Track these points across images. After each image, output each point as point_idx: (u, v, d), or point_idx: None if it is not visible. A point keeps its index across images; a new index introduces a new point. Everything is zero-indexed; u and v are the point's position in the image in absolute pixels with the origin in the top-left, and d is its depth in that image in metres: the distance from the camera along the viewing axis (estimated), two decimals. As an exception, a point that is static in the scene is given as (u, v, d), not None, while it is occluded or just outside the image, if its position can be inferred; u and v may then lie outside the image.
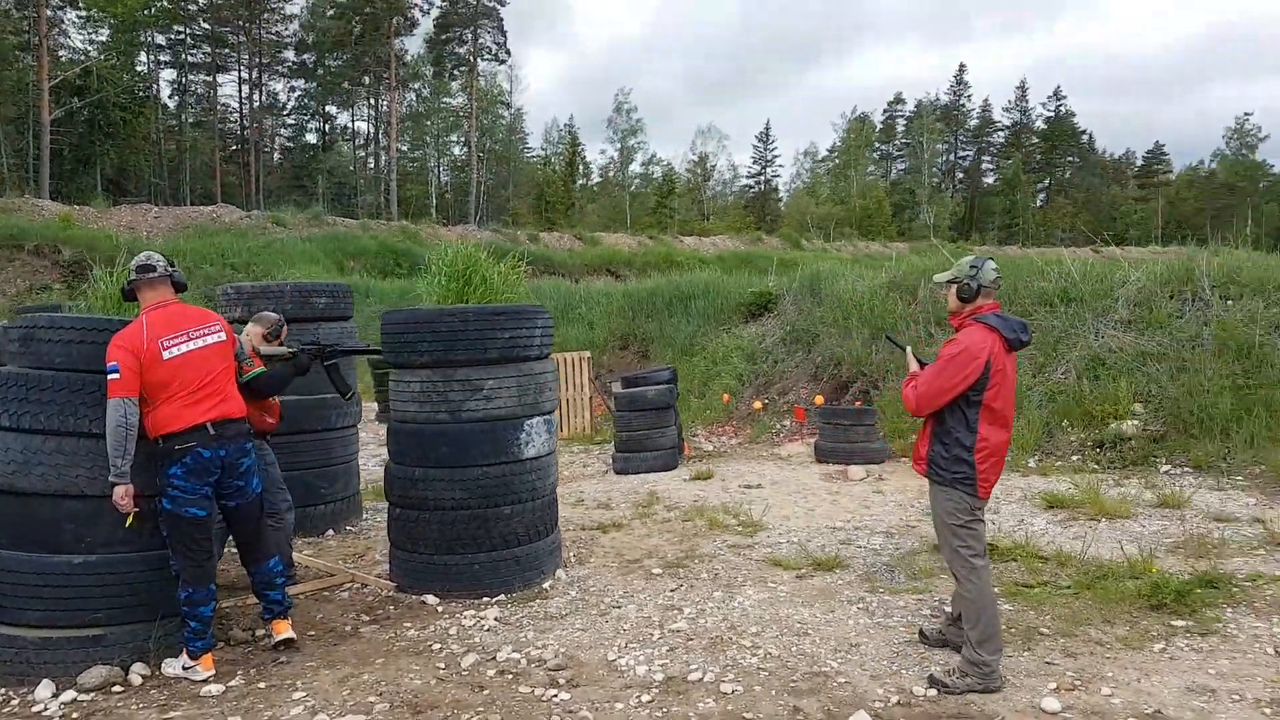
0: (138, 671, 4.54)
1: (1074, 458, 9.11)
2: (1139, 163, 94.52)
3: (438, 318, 5.84)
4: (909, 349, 4.76)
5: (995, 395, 4.19)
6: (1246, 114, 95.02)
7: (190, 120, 59.54)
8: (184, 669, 4.55)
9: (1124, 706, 3.94)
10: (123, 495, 4.32)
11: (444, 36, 65.01)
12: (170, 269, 4.74)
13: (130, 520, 4.40)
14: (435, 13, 63.79)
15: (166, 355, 4.46)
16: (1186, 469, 8.44)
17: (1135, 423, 9.01)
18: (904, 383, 4.53)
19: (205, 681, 4.49)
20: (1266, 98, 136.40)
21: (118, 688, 4.41)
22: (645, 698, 4.21)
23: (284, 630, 4.90)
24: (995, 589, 4.60)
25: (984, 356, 4.13)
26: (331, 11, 60.39)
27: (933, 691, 4.16)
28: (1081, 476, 8.21)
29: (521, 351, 5.91)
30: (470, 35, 64.90)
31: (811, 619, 5.18)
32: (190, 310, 4.75)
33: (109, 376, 4.32)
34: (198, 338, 4.61)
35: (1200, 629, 4.74)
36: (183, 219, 31.92)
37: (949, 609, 5.18)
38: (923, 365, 4.57)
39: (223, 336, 4.76)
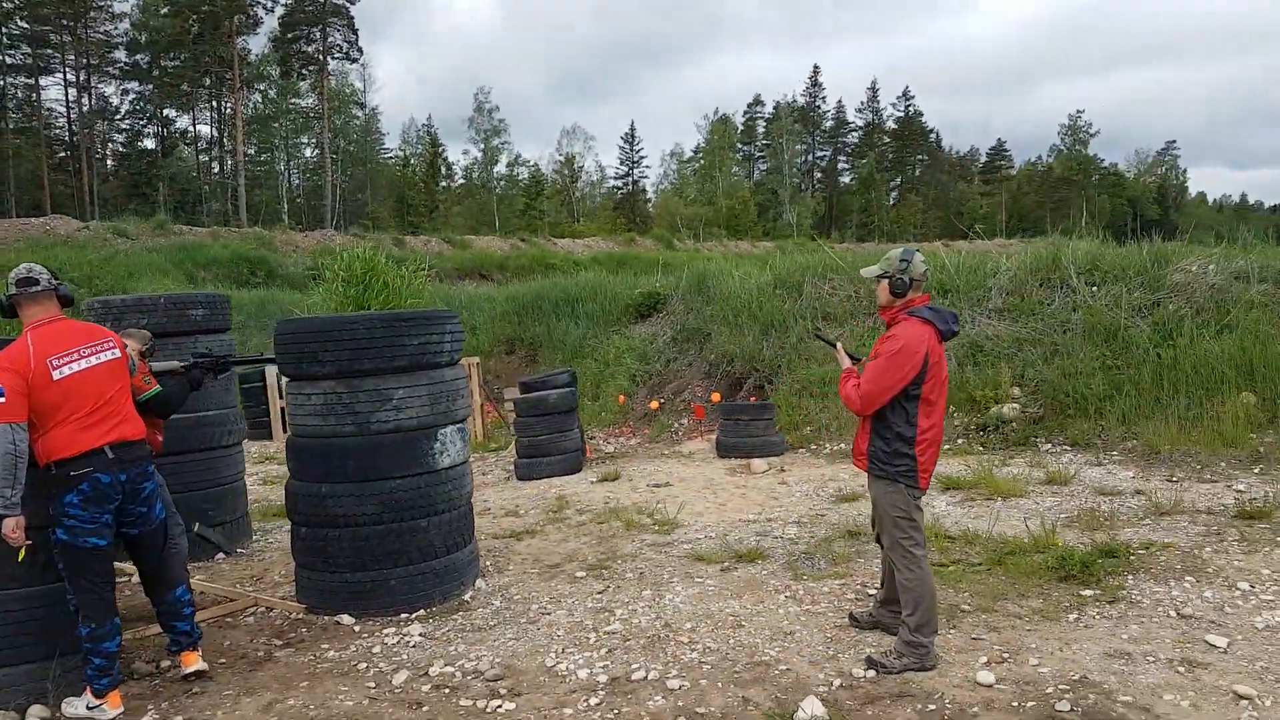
0: (35, 714, 4.22)
1: (959, 440, 9.51)
2: (983, 159, 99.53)
3: (340, 325, 5.60)
4: (839, 344, 4.82)
5: (932, 387, 4.27)
6: (1079, 111, 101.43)
7: (11, 126, 55.30)
8: (89, 709, 4.22)
9: (1053, 675, 4.12)
10: (13, 528, 3.97)
11: (290, 35, 62.65)
12: (55, 282, 4.36)
13: (22, 554, 4.06)
14: (280, 10, 61.57)
15: (57, 375, 4.12)
16: (1065, 447, 8.93)
17: (1015, 405, 9.47)
18: (841, 380, 4.56)
19: (115, 719, 4.21)
20: (1102, 91, 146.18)
21: (16, 733, 4.10)
22: (593, 700, 4.16)
23: (193, 662, 4.64)
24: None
25: (923, 351, 4.20)
26: (166, 10, 57.13)
27: (872, 673, 4.26)
28: (971, 459, 8.58)
29: (432, 358, 5.73)
30: (319, 34, 62.87)
31: (743, 611, 5.22)
32: (78, 326, 4.40)
33: None
34: (89, 355, 4.27)
35: (1107, 597, 5.01)
36: (12, 231, 29.69)
37: (874, 592, 5.33)
38: (855, 360, 4.66)
39: (117, 354, 4.43)
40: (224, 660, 4.95)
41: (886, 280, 4.37)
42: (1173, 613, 4.77)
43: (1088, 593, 5.07)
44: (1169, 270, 10.27)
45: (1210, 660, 4.18)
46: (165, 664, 4.86)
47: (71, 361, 4.19)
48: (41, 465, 4.14)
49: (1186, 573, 5.31)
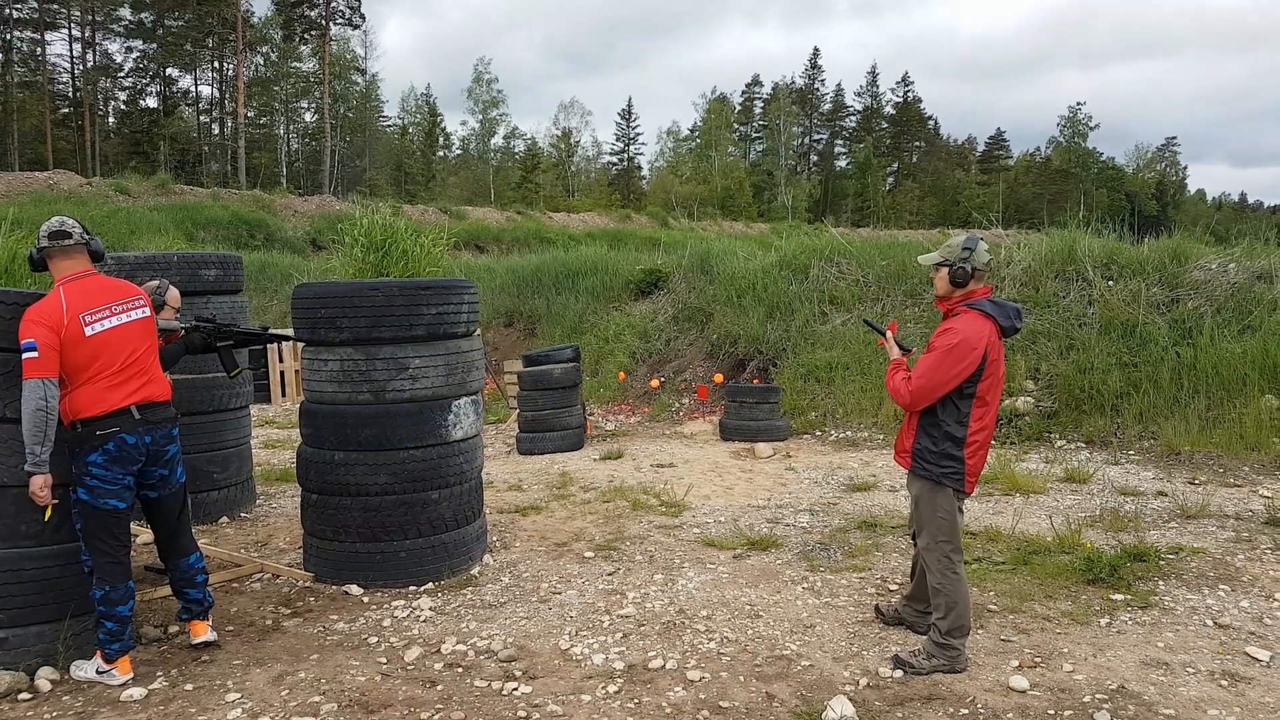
0: (45, 676, 4.09)
1: (971, 433, 9.37)
2: (981, 148, 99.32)
3: (359, 292, 5.45)
4: (890, 334, 4.54)
5: (989, 386, 4.03)
6: (1079, 103, 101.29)
7: (16, 81, 54.88)
8: (98, 673, 4.11)
9: (1088, 682, 3.99)
10: (41, 486, 3.88)
11: (293, -1, 62.15)
12: (86, 236, 4.22)
13: (49, 512, 3.99)
14: (284, -27, 60.88)
15: (89, 332, 4.01)
16: (1080, 444, 8.82)
17: (1029, 399, 9.35)
18: (889, 371, 4.30)
19: (124, 685, 4.07)
20: (1101, 84, 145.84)
21: (24, 694, 3.97)
22: (611, 688, 4.03)
23: (203, 632, 4.50)
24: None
25: (982, 347, 3.94)
26: (172, -32, 56.75)
27: (899, 672, 4.13)
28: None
29: (449, 328, 5.60)
30: (321, -1, 62.28)
31: (760, 600, 5.10)
32: (109, 282, 4.26)
33: (25, 355, 3.84)
34: (120, 312, 4.16)
35: (1139, 603, 4.88)
36: (15, 185, 29.41)
37: (895, 586, 5.21)
38: (904, 350, 4.45)
39: (146, 312, 4.32)
40: (231, 628, 4.83)
41: (947, 269, 4.09)
42: (1209, 622, 4.64)
43: (1118, 597, 4.95)
44: (1188, 268, 10.13)
45: (1253, 674, 4.05)
46: (174, 629, 4.73)
47: (104, 318, 4.08)
48: (67, 423, 4.03)
49: (1220, 580, 5.18)
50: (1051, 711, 3.73)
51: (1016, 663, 4.19)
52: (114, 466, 4.09)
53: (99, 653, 4.14)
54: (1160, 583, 5.16)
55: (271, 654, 4.47)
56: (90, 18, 57.82)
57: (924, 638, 4.28)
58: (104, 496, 4.09)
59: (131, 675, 4.15)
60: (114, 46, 60.78)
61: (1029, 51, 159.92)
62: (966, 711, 3.76)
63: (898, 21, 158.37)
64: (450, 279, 5.72)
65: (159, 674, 4.22)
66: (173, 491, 4.44)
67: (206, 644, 4.47)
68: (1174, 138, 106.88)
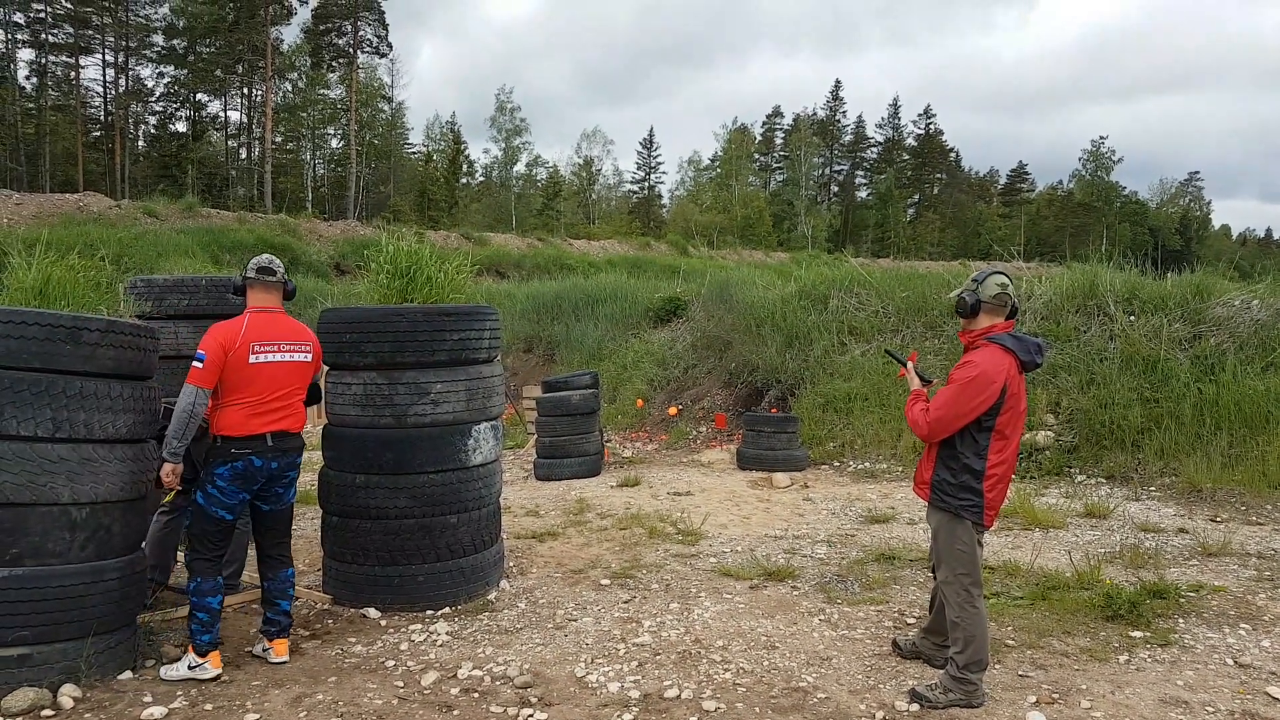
0: (68, 693, 4.13)
1: (990, 467, 9.34)
2: (1003, 180, 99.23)
3: (384, 317, 5.53)
4: (911, 365, 4.58)
5: (1008, 420, 4.04)
6: (1102, 137, 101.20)
7: (49, 104, 55.93)
8: (190, 668, 4.41)
9: (1106, 719, 3.97)
10: (169, 473, 4.47)
11: (322, 27, 63.31)
12: (286, 277, 4.83)
13: (170, 496, 4.81)
14: (314, 2, 62.12)
15: (252, 359, 4.52)
16: (1101, 479, 8.77)
17: (1049, 433, 9.31)
18: (909, 402, 4.33)
19: (215, 680, 4.36)
20: (1130, 118, 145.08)
21: (46, 711, 4.00)
22: (626, 717, 4.04)
23: (284, 653, 4.72)
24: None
25: (1000, 380, 3.96)
26: (204, -3, 57.83)
27: (915, 706, 4.11)
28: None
29: (471, 354, 5.66)
30: (350, 27, 63.29)
31: (776, 631, 5.09)
32: (289, 323, 4.79)
33: (194, 363, 4.41)
34: (287, 351, 4.68)
35: (1159, 640, 4.84)
36: (46, 206, 29.79)
37: (913, 620, 5.18)
38: (925, 381, 4.47)
39: (308, 358, 4.80)
40: (250, 648, 4.86)
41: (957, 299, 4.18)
42: (1229, 660, 4.59)
43: (1137, 634, 4.90)
44: (1210, 304, 10.09)
45: (1274, 715, 4.00)
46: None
47: (271, 352, 4.60)
48: (211, 435, 4.54)
49: (1241, 619, 5.13)
50: (1069, 749, 3.71)
51: (1034, 698, 4.17)
52: (235, 482, 4.53)
53: (190, 648, 4.45)
54: (1180, 620, 5.12)
55: (290, 676, 4.51)
56: (124, 43, 58.93)
57: (941, 672, 4.26)
58: (217, 506, 4.54)
59: (220, 670, 4.43)
60: (146, 72, 61.96)
61: (1053, 84, 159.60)
62: (983, 747, 3.74)
63: (930, 52, 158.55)
64: (473, 305, 5.78)
65: (179, 693, 4.26)
66: (284, 508, 4.85)
67: (284, 663, 4.66)
68: (1197, 172, 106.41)
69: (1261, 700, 4.15)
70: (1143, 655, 4.68)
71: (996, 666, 4.53)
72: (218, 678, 4.39)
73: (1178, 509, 7.86)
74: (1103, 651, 4.71)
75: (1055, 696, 4.19)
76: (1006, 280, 4.20)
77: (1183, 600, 5.37)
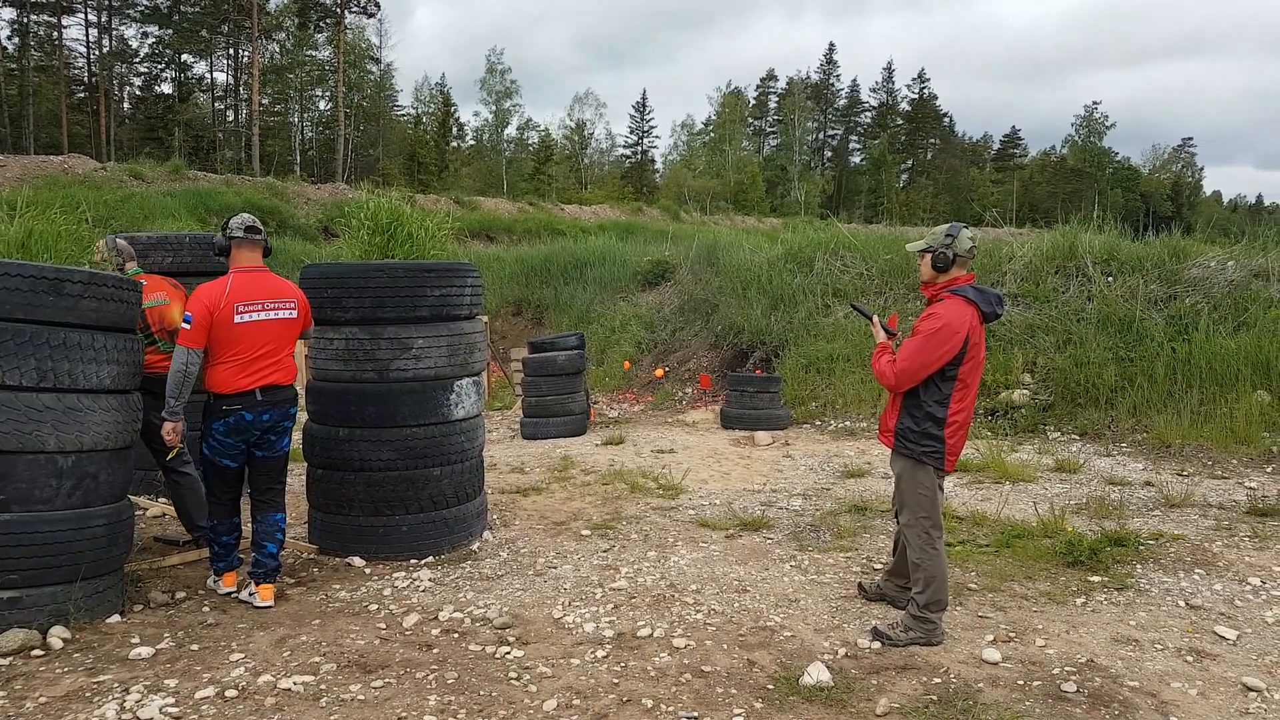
0: (57, 634, 4.26)
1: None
2: (996, 146, 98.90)
3: (365, 273, 5.62)
4: (876, 317, 4.69)
5: (969, 369, 4.19)
6: (1095, 102, 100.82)
7: (32, 64, 55.23)
8: (210, 584, 5.07)
9: (1059, 656, 4.14)
10: (171, 431, 4.73)
11: (309, -14, 62.29)
12: (265, 235, 5.00)
13: (174, 453, 4.99)
14: (300, -38, 61.04)
15: (237, 319, 4.71)
16: (1074, 436, 8.95)
17: (1025, 392, 9.47)
18: (875, 354, 4.48)
19: (231, 594, 4.96)
20: (1126, 84, 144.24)
21: (36, 651, 4.14)
22: (600, 653, 4.19)
23: (269, 597, 4.86)
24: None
25: (963, 331, 4.10)
26: (188, -46, 56.96)
27: (877, 644, 4.28)
28: (980, 443, 8.59)
29: (452, 310, 5.76)
30: (337, -14, 62.39)
31: (748, 577, 5.25)
32: (273, 281, 4.95)
33: (182, 325, 4.65)
34: (271, 309, 4.84)
35: (1115, 584, 5.02)
36: (31, 169, 29.60)
37: (880, 565, 5.35)
38: (890, 334, 4.60)
39: (294, 314, 4.97)
40: (235, 593, 4.99)
41: (930, 254, 4.27)
42: (1182, 603, 4.77)
43: (1096, 579, 5.09)
44: (1186, 265, 10.23)
45: (1219, 651, 4.19)
46: (180, 595, 4.95)
47: (254, 311, 4.78)
48: (205, 391, 4.79)
49: (1196, 565, 5.32)
50: (1021, 682, 3.88)
51: (991, 637, 4.34)
52: (231, 435, 4.81)
53: (212, 572, 5.09)
54: (1138, 566, 5.30)
55: (275, 619, 4.64)
56: (107, 2, 58.04)
57: (903, 611, 4.43)
58: (220, 455, 4.86)
59: (234, 588, 4.99)
60: (130, 32, 61.19)
61: (1070, 49, 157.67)
62: (939, 680, 3.91)
63: (939, 15, 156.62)
64: (454, 262, 5.88)
65: (166, 635, 4.39)
66: (277, 454, 5.05)
67: (269, 608, 4.80)
68: (1190, 138, 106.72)
69: (1209, 639, 4.33)
70: (1099, 598, 4.86)
71: (957, 608, 4.70)
72: (231, 594, 4.94)
73: (1146, 464, 8.04)
74: (1061, 595, 4.89)
75: (1012, 635, 4.37)
76: (974, 233, 4.34)
77: (1142, 548, 5.55)
